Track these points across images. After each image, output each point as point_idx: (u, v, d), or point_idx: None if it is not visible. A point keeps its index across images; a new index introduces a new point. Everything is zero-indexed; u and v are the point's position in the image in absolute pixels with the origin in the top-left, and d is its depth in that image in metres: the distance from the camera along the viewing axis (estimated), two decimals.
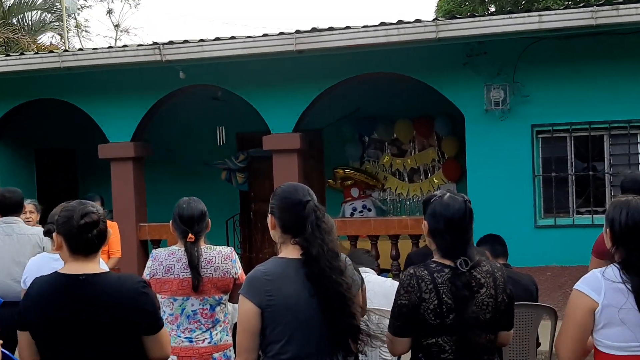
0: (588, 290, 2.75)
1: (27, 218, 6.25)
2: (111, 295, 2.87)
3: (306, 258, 2.84)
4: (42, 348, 2.91)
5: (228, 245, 10.22)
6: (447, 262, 2.90)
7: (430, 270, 2.90)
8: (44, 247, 5.52)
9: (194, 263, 3.95)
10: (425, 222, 3.02)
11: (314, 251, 2.83)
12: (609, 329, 2.74)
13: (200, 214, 4.07)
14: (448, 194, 3.01)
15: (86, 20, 35.25)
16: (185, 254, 3.99)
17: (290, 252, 2.91)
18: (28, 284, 4.63)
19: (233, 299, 4.19)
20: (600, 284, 2.75)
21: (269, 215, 3.03)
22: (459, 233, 2.93)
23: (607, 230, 2.85)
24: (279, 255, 2.95)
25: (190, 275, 3.95)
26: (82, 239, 2.89)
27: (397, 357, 4.06)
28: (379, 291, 4.20)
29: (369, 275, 4.16)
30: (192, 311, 4.03)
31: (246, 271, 4.29)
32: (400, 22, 7.45)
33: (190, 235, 4.00)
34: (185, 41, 8.13)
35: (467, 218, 2.95)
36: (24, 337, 2.94)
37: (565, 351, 2.84)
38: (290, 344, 2.82)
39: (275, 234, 3.00)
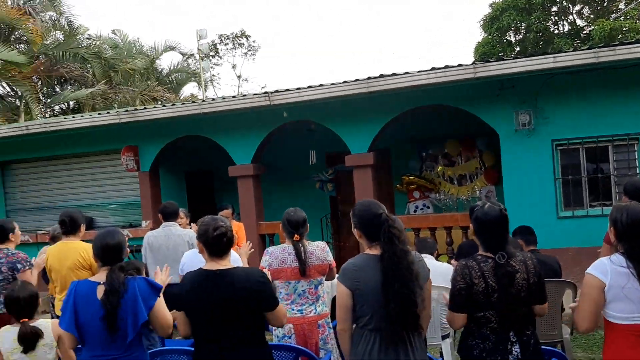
0: (598, 274, 2.73)
1: (180, 222, 6.33)
2: (240, 283, 2.92)
3: (381, 256, 2.81)
4: (194, 323, 2.99)
5: (322, 238, 10.51)
6: (490, 255, 2.90)
7: (478, 262, 2.90)
8: (192, 244, 5.72)
9: (301, 256, 3.98)
10: (471, 224, 3.07)
11: (387, 252, 2.79)
12: (615, 303, 2.70)
13: (303, 220, 4.09)
14: (488, 204, 2.96)
15: (217, 73, 36.15)
16: (293, 250, 4.02)
17: (373, 250, 2.89)
18: (184, 271, 4.83)
19: (328, 279, 4.25)
20: (606, 268, 2.72)
21: (355, 229, 2.99)
22: (497, 234, 2.90)
23: (611, 228, 2.81)
24: (364, 252, 2.94)
25: (298, 265, 4.00)
26: (216, 245, 2.98)
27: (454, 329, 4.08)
28: (437, 272, 4.08)
29: (428, 260, 4.06)
30: (302, 290, 4.05)
31: (337, 255, 4.44)
32: (447, 66, 7.50)
33: (296, 235, 4.02)
34: (287, 89, 8.31)
35: (503, 223, 2.91)
36: (180, 316, 3.04)
37: (582, 322, 2.79)
38: (373, 317, 2.80)
39: (361, 241, 2.98)
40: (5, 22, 16.44)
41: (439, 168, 10.46)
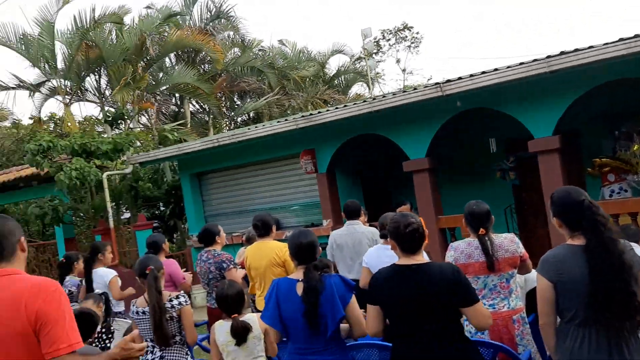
0: None
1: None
2: (436, 277, 2.93)
3: (587, 246, 2.67)
4: (390, 317, 3.03)
5: (508, 229, 10.17)
6: None
7: None
8: (375, 241, 5.87)
9: (487, 250, 3.89)
10: None
11: (592, 241, 2.65)
12: None
13: (487, 212, 3.99)
14: None
15: (382, 69, 36.47)
16: (480, 244, 3.93)
17: (576, 240, 2.76)
18: (368, 264, 5.04)
19: (521, 272, 4.13)
20: None
21: (554, 218, 2.88)
22: None
23: None
24: (566, 242, 2.80)
25: (486, 259, 3.90)
26: (408, 242, 3.02)
27: None
28: None
29: (635, 248, 3.87)
30: (492, 285, 3.95)
31: (524, 247, 4.31)
32: (636, 35, 6.86)
33: (481, 229, 3.94)
34: (459, 78, 8.13)
35: None
36: (372, 310, 3.08)
37: None
38: (579, 312, 2.66)
39: (562, 231, 2.85)
40: (192, 46, 18.23)
41: (635, 147, 9.57)
